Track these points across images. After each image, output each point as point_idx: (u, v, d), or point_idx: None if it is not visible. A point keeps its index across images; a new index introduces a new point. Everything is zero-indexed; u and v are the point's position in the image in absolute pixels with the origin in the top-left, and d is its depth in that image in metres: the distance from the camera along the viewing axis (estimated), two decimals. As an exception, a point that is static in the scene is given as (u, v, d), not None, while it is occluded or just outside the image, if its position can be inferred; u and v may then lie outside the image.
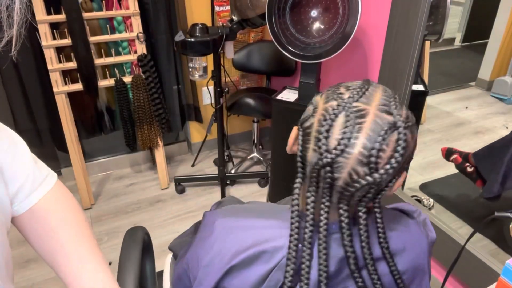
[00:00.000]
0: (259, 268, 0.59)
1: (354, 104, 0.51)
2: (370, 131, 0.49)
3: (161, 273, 1.00)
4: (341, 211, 0.54)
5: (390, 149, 0.49)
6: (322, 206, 0.54)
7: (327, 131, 0.51)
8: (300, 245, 0.57)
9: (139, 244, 0.89)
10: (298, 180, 0.57)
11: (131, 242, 0.89)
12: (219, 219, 0.66)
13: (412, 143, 0.53)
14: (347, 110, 0.51)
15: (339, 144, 0.50)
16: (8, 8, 0.40)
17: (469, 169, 1.43)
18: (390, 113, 0.50)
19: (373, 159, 0.49)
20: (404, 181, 1.70)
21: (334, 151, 0.50)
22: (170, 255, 1.02)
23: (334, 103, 0.52)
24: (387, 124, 0.50)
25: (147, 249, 0.95)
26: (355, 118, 0.50)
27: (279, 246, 0.59)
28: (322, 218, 0.55)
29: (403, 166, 0.53)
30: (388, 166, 0.50)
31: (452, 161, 1.51)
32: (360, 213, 0.54)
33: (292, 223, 0.57)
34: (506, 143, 1.31)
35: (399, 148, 0.49)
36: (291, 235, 0.57)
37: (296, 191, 0.57)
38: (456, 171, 1.53)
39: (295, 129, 0.61)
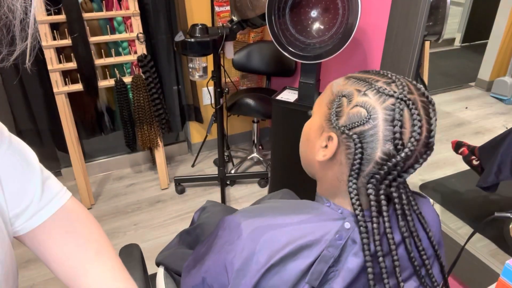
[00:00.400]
0: (299, 263, 0.59)
1: (408, 96, 0.56)
2: (426, 116, 0.57)
3: (154, 275, 0.98)
4: (394, 194, 0.59)
5: (434, 124, 0.58)
6: (382, 197, 0.58)
7: (401, 127, 0.55)
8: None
9: (139, 264, 0.86)
10: (353, 181, 0.59)
11: (130, 265, 0.86)
12: (245, 221, 0.64)
13: None
14: (408, 105, 0.56)
15: (412, 137, 0.55)
16: (22, 22, 0.40)
17: (475, 162, 1.43)
18: (423, 94, 0.58)
19: (432, 139, 0.57)
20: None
21: (409, 144, 0.55)
22: (161, 269, 0.97)
23: (392, 100, 0.56)
24: (428, 104, 0.58)
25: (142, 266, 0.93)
26: (414, 109, 0.55)
27: (317, 240, 0.60)
28: (384, 208, 0.58)
29: None
30: (434, 140, 0.57)
31: (460, 153, 1.51)
32: (401, 190, 0.60)
33: (361, 226, 0.58)
34: (504, 136, 1.32)
35: (436, 122, 0.58)
36: (362, 238, 0.58)
37: (355, 192, 0.59)
38: (456, 171, 1.53)
39: (335, 137, 0.60)
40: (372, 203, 0.58)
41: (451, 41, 1.59)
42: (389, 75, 0.60)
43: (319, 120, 0.64)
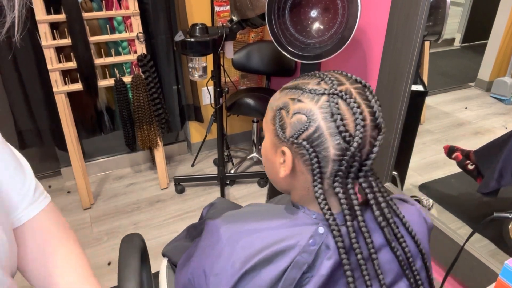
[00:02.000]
0: (273, 269, 0.59)
1: (339, 88, 0.57)
2: (364, 100, 0.57)
3: (157, 273, 1.00)
4: (363, 184, 0.60)
5: (376, 106, 0.58)
6: (351, 191, 0.59)
7: (342, 119, 0.55)
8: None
9: (137, 253, 0.87)
10: (318, 186, 0.58)
11: (129, 251, 0.87)
12: (224, 226, 0.65)
13: None
14: (341, 96, 0.56)
15: (357, 124, 0.56)
16: None
17: (470, 167, 1.43)
18: (356, 80, 0.59)
19: (379, 119, 0.58)
20: (403, 181, 1.69)
21: (357, 132, 0.55)
22: (165, 261, 1.01)
23: (325, 97, 0.56)
24: (364, 89, 0.58)
25: (143, 256, 0.94)
26: (349, 98, 0.56)
27: (291, 245, 0.59)
28: (355, 202, 0.58)
29: None
30: (381, 121, 0.58)
31: (453, 158, 1.51)
32: (370, 178, 0.60)
33: (333, 229, 0.58)
34: (504, 140, 1.32)
35: (377, 102, 0.58)
36: (337, 241, 0.58)
37: (322, 197, 0.58)
38: (455, 171, 1.53)
39: (287, 150, 0.60)
40: (342, 201, 0.58)
41: (451, 41, 1.59)
42: (318, 75, 0.61)
43: (270, 138, 0.64)
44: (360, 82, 0.59)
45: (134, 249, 0.89)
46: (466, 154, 1.46)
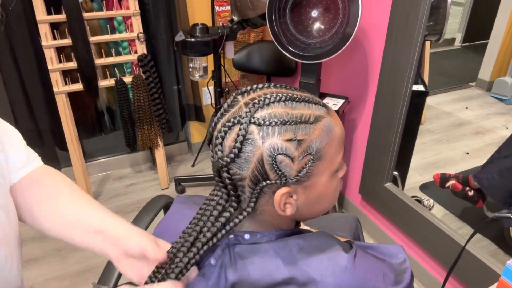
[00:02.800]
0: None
1: (237, 96, 0.56)
2: (227, 118, 0.53)
3: None
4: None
5: (231, 138, 0.52)
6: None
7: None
8: None
9: (154, 211, 0.92)
10: None
11: (148, 207, 0.93)
12: (175, 204, 0.77)
13: (266, 145, 0.50)
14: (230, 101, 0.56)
15: (211, 129, 0.57)
16: None
17: (470, 193, 1.41)
18: (247, 106, 0.52)
19: (218, 141, 0.53)
20: (404, 181, 1.68)
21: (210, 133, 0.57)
22: None
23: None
24: (238, 115, 0.52)
25: None
26: (228, 107, 0.55)
27: None
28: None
29: (265, 173, 0.51)
30: (230, 155, 0.52)
31: (449, 188, 1.47)
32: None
33: None
34: None
35: (238, 139, 0.51)
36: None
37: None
38: (456, 171, 1.53)
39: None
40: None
41: (452, 41, 1.59)
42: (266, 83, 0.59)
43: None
44: (245, 111, 0.52)
45: (155, 206, 0.94)
46: (465, 181, 1.42)
